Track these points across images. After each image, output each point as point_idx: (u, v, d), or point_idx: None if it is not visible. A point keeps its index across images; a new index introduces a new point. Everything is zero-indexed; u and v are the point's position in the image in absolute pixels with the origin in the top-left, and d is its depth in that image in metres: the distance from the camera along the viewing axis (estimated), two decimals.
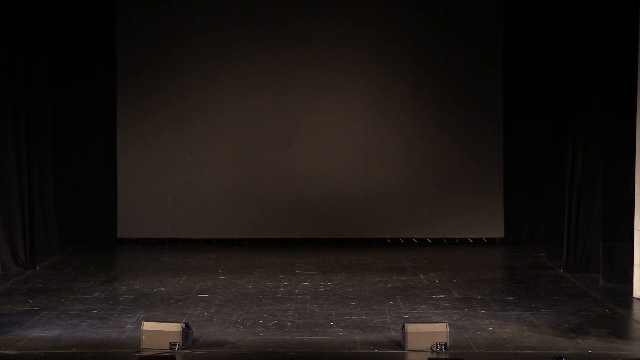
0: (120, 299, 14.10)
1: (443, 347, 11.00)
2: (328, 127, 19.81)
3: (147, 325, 11.23)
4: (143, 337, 11.13)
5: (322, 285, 15.24)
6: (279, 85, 19.78)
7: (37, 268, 16.48)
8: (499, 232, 19.93)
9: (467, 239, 19.94)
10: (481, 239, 19.94)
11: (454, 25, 19.64)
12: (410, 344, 11.06)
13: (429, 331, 11.11)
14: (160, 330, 11.14)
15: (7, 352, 10.97)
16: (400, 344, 11.24)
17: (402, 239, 19.90)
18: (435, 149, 19.83)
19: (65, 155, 19.17)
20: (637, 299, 13.99)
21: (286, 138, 19.83)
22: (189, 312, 13.16)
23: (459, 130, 19.80)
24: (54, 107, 18.20)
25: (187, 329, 11.25)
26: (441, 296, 14.32)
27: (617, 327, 12.39)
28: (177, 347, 11.00)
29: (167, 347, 11.01)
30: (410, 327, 11.15)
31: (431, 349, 11.00)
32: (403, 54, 19.76)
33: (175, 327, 11.16)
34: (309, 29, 19.71)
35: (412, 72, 19.76)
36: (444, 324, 11.26)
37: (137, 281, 15.46)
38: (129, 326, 12.25)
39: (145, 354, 10.88)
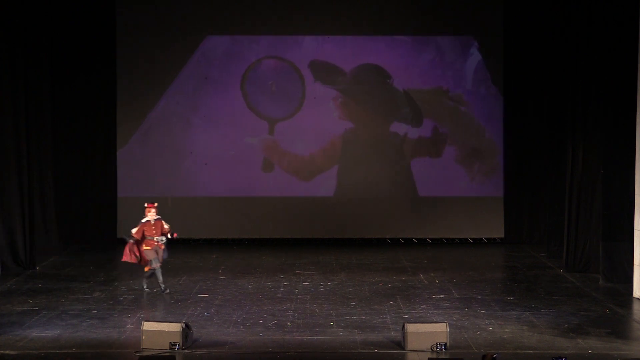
0: (120, 299, 14.10)
1: (443, 347, 11.00)
2: (328, 127, 19.81)
3: (147, 325, 11.24)
4: (143, 337, 11.14)
5: (322, 285, 15.24)
6: (279, 84, 19.78)
7: (37, 268, 16.48)
8: (499, 232, 19.92)
9: (467, 239, 19.93)
10: (481, 239, 19.94)
11: (455, 25, 19.63)
12: (410, 344, 11.07)
13: (429, 331, 11.13)
14: (160, 330, 11.14)
15: (7, 352, 10.98)
16: (400, 344, 11.25)
17: (402, 239, 19.90)
18: (436, 149, 19.83)
19: (65, 155, 19.16)
20: (637, 299, 14.00)
21: (286, 138, 19.82)
22: (189, 312, 13.16)
23: (459, 130, 19.80)
24: (54, 107, 18.21)
25: (187, 329, 11.25)
26: (441, 296, 14.32)
27: (617, 327, 12.40)
28: (177, 347, 11.01)
29: (167, 347, 11.01)
30: (410, 327, 11.16)
31: (431, 349, 11.01)
32: (405, 55, 19.77)
33: (175, 327, 11.16)
34: (309, 27, 19.79)
35: (411, 72, 19.77)
36: (444, 324, 11.27)
37: (137, 281, 15.44)
38: (129, 326, 12.25)
39: (145, 354, 10.88)
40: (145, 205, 14.83)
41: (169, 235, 14.72)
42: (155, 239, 14.56)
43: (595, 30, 15.46)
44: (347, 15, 19.69)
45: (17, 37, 16.24)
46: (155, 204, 14.89)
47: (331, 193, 19.86)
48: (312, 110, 19.78)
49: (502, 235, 19.88)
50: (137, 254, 14.57)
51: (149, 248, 14.53)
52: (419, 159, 19.85)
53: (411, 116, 19.80)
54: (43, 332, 11.89)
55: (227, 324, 12.43)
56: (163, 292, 14.42)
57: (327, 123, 19.80)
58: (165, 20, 19.62)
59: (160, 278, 14.51)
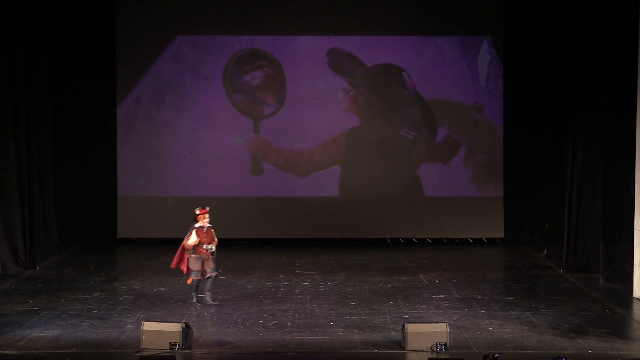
0: (120, 299, 14.10)
1: (443, 347, 11.00)
2: (329, 127, 19.81)
3: (147, 325, 11.24)
4: (143, 337, 11.14)
5: (322, 285, 15.24)
6: (279, 84, 19.79)
7: (37, 268, 16.48)
8: (499, 232, 19.92)
9: (467, 239, 19.94)
10: (481, 239, 19.93)
11: (455, 25, 19.63)
12: (410, 344, 11.06)
13: (429, 331, 11.12)
14: (160, 330, 11.14)
15: (7, 352, 10.98)
16: (400, 344, 11.25)
17: (402, 239, 19.90)
18: (436, 149, 19.84)
19: (65, 155, 19.16)
20: (637, 299, 13.99)
21: (286, 138, 19.83)
22: (189, 312, 13.16)
23: (459, 130, 19.81)
24: (54, 107, 18.20)
25: (187, 329, 11.25)
26: (441, 296, 14.32)
27: (617, 327, 12.39)
28: (177, 347, 11.01)
29: (167, 347, 11.01)
30: (410, 327, 11.16)
31: (431, 349, 11.00)
32: (407, 57, 19.78)
33: (175, 327, 11.16)
34: (309, 27, 19.82)
35: (412, 72, 19.77)
36: (444, 324, 11.27)
37: (137, 281, 15.46)
38: (129, 326, 12.24)
39: (145, 354, 10.88)
40: (197, 212, 13.68)
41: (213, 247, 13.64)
42: (205, 247, 13.57)
43: (596, 29, 15.46)
44: (354, 15, 19.71)
45: (17, 37, 16.23)
46: (208, 209, 13.75)
47: (332, 193, 19.86)
48: (315, 109, 19.79)
49: (502, 235, 19.88)
50: (186, 261, 13.59)
51: (196, 256, 13.58)
52: (418, 159, 19.86)
53: (412, 115, 19.81)
54: (43, 332, 11.88)
55: (227, 324, 12.43)
56: (207, 301, 13.51)
57: (329, 123, 19.81)
58: (165, 20, 19.62)
59: (210, 287, 13.57)
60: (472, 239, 19.93)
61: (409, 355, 10.95)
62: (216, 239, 13.76)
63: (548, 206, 18.39)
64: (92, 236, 19.50)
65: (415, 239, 19.91)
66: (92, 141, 19.56)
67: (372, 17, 19.70)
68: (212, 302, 13.49)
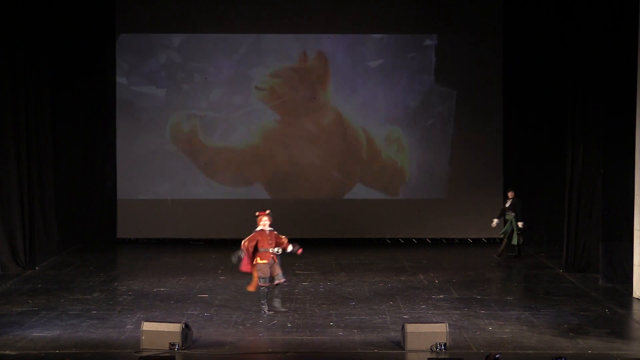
0: (120, 299, 14.09)
1: (443, 347, 11.00)
2: (329, 128, 19.81)
3: (147, 326, 11.24)
4: (143, 337, 11.14)
5: (322, 285, 15.24)
6: (279, 85, 19.78)
7: (37, 268, 16.47)
8: (499, 232, 19.86)
9: (467, 239, 19.93)
10: (481, 239, 19.92)
11: (455, 24, 19.63)
12: (410, 344, 11.06)
13: (428, 331, 11.13)
14: (160, 330, 11.14)
15: (7, 352, 10.98)
16: (400, 344, 11.25)
17: (402, 239, 19.90)
18: (436, 149, 19.83)
19: (65, 155, 19.15)
20: (637, 299, 13.99)
21: (286, 138, 19.83)
22: (189, 312, 13.16)
23: (460, 131, 19.80)
24: (54, 107, 18.20)
25: (186, 329, 11.25)
26: (441, 296, 14.32)
27: (617, 327, 12.39)
28: (177, 347, 11.01)
29: (167, 347, 11.01)
30: (410, 327, 11.16)
31: (431, 349, 11.00)
32: (407, 57, 19.77)
33: (175, 327, 11.16)
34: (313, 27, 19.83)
35: (412, 71, 19.77)
36: (444, 324, 11.27)
37: (137, 281, 15.45)
38: (128, 326, 12.24)
39: (145, 354, 10.88)
40: (257, 213, 13.26)
41: (289, 249, 13.19)
42: (270, 251, 13.05)
43: (596, 29, 15.46)
44: (354, 15, 19.72)
45: (17, 37, 16.23)
46: (267, 211, 13.19)
47: (332, 194, 19.86)
48: (312, 112, 19.80)
49: (502, 236, 19.82)
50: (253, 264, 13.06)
51: (264, 262, 13.00)
52: (418, 160, 19.86)
53: (412, 115, 19.82)
54: (43, 333, 11.88)
55: (226, 324, 12.42)
56: (276, 307, 13.08)
57: (327, 124, 19.81)
58: (165, 19, 19.61)
59: (278, 293, 13.17)
60: (472, 239, 19.92)
61: (408, 356, 10.95)
62: (284, 237, 13.21)
63: (548, 206, 18.38)
64: (92, 236, 19.49)
65: (415, 239, 19.90)
66: (92, 141, 19.56)
67: (371, 16, 19.71)
68: (282, 309, 13.08)
